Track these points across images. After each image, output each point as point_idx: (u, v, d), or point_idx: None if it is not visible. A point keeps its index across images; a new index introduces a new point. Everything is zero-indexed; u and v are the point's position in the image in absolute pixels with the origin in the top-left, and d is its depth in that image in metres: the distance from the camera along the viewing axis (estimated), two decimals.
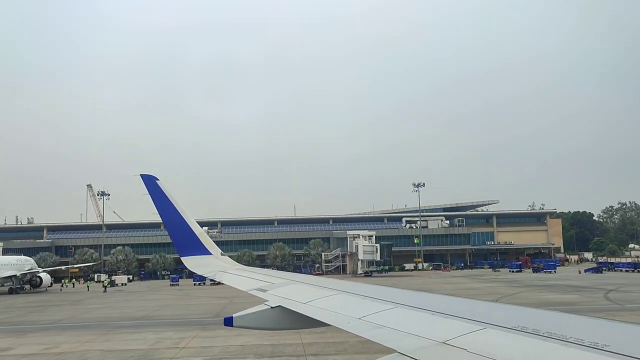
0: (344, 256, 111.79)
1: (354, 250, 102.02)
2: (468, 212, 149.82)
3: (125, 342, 29.03)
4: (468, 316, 4.91)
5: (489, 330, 4.42)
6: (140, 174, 12.90)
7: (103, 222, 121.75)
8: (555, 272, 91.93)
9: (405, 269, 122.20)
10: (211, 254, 13.22)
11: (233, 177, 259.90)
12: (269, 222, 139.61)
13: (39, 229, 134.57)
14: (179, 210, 13.05)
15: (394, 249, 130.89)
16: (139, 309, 48.29)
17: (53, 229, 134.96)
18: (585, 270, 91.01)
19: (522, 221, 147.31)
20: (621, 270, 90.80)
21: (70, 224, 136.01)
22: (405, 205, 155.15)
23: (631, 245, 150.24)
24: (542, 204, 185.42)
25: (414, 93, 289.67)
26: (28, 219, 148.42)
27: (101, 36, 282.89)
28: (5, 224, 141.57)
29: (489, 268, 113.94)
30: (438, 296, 6.90)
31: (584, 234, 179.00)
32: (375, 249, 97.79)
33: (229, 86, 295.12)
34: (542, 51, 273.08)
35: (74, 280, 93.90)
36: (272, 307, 7.33)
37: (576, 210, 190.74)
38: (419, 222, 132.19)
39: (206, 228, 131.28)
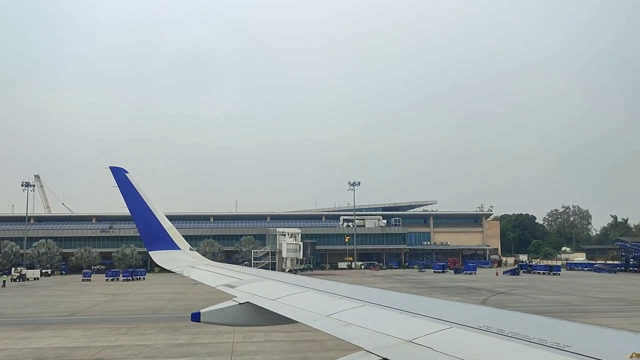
0: (274, 254, 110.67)
1: (280, 248, 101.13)
2: (406, 212, 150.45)
3: None
4: (435, 315, 4.96)
5: (455, 329, 4.50)
6: (110, 166, 12.50)
7: (27, 213, 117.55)
8: (475, 273, 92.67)
9: (339, 267, 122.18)
10: (180, 248, 13.00)
11: (178, 172, 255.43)
12: (204, 218, 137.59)
13: None
14: (148, 204, 12.76)
15: (329, 247, 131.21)
16: (3, 306, 46.19)
17: None
18: (504, 272, 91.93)
19: (459, 222, 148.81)
20: (538, 273, 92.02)
21: None
22: (348, 204, 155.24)
23: (563, 248, 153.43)
24: (490, 206, 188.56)
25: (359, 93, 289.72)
26: None
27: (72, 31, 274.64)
28: None
29: (419, 268, 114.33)
30: (406, 295, 6.94)
31: (525, 237, 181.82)
32: (298, 247, 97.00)
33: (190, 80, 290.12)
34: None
35: None
36: (240, 304, 7.22)
37: (519, 213, 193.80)
38: (354, 220, 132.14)
39: None
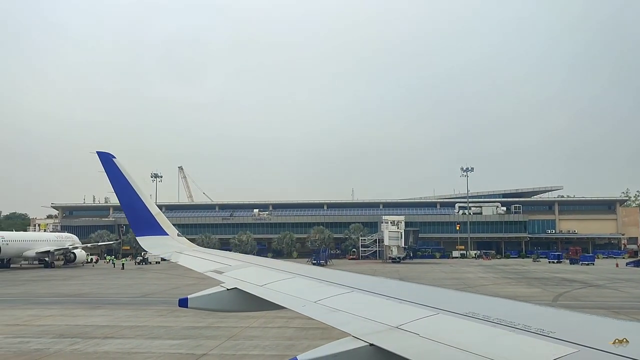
0: (381, 241, 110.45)
1: (383, 236, 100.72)
2: (528, 199, 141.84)
3: None
4: (421, 302, 5.05)
5: (441, 315, 4.60)
6: (97, 151, 12.47)
7: (156, 202, 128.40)
8: (592, 264, 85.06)
9: (452, 256, 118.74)
10: (167, 234, 12.84)
11: (299, 162, 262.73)
12: (318, 206, 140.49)
13: (106, 208, 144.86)
14: (136, 189, 12.65)
15: (443, 235, 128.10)
16: (99, 287, 51.24)
17: (120, 208, 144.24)
18: (627, 264, 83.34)
19: (589, 209, 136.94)
20: None
21: None
22: (469, 191, 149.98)
23: None
24: (637, 191, 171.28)
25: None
26: (105, 198, 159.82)
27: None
28: (84, 202, 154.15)
29: (535, 258, 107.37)
30: (393, 281, 7.05)
31: None
32: (400, 235, 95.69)
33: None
34: None
35: (113, 257, 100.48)
36: (228, 289, 7.26)
37: None
38: (468, 207, 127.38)
39: (257, 210, 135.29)
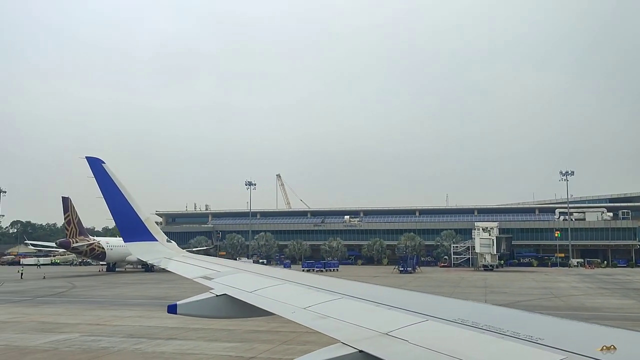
0: (474, 248, 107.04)
1: (474, 243, 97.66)
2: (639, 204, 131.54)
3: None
4: (411, 308, 5.09)
5: (430, 322, 4.61)
6: (86, 156, 12.56)
7: (250, 209, 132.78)
8: None
9: (551, 264, 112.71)
10: (157, 240, 12.93)
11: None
12: (410, 212, 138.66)
13: (205, 215, 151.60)
14: (125, 195, 12.69)
15: (542, 242, 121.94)
16: (182, 290, 52.73)
17: (218, 215, 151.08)
18: None
19: None
20: None
21: (231, 210, 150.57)
22: (572, 195, 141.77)
23: None
24: None
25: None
26: (206, 206, 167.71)
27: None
28: (186, 210, 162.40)
29: None
30: (383, 288, 7.08)
31: None
32: (491, 242, 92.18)
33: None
34: None
35: None
36: (217, 296, 7.33)
37: None
38: (569, 213, 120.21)
39: (348, 217, 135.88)
